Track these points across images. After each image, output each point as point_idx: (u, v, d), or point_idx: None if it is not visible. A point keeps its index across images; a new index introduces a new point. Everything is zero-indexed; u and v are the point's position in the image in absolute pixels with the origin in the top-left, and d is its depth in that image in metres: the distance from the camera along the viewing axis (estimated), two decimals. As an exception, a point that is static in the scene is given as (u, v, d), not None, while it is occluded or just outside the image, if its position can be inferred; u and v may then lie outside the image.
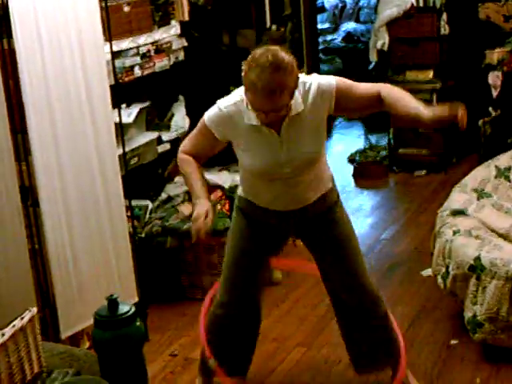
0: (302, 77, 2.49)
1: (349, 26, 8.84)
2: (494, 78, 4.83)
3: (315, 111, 2.48)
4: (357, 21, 9.02)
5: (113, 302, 1.89)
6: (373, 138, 6.33)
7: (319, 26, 7.66)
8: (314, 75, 2.53)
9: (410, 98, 2.42)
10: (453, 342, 3.20)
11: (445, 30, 5.38)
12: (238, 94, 2.49)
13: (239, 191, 2.73)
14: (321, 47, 7.75)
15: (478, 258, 3.00)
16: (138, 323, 1.91)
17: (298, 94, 2.44)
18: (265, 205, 2.63)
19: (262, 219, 2.66)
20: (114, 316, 1.87)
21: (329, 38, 8.62)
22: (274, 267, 3.06)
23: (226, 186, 3.90)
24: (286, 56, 2.33)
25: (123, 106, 3.64)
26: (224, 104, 2.51)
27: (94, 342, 1.93)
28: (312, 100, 2.46)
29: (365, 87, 2.52)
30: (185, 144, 2.66)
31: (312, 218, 2.67)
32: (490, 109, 4.96)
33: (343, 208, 2.76)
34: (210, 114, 2.53)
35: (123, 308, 1.90)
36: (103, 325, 1.88)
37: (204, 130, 2.55)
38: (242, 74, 2.37)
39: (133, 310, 1.90)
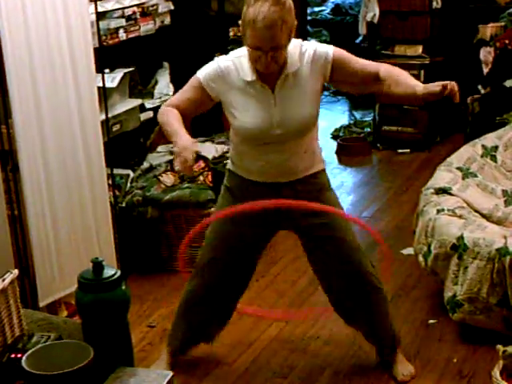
0: (300, 41, 2.50)
1: (338, -2, 8.74)
2: (486, 54, 4.77)
3: (310, 74, 2.46)
4: (346, -7, 8.92)
5: (98, 265, 1.84)
6: (358, 114, 6.31)
7: (308, -3, 7.58)
8: (313, 41, 2.53)
9: (408, 78, 2.44)
10: (431, 321, 3.21)
11: (437, 3, 5.33)
12: (237, 52, 2.49)
13: (229, 165, 2.69)
14: (308, 19, 7.66)
15: (460, 238, 2.99)
16: (123, 287, 1.87)
17: (294, 52, 2.43)
18: (255, 176, 2.58)
19: (252, 198, 2.57)
20: (99, 279, 1.83)
21: (317, 9, 8.53)
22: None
23: (210, 156, 3.85)
24: None
25: (106, 70, 3.56)
26: (222, 60, 2.50)
27: (77, 305, 1.89)
28: (308, 63, 2.46)
29: (363, 63, 2.52)
30: (171, 99, 2.62)
31: (302, 197, 2.59)
32: (480, 86, 4.92)
33: (334, 193, 2.73)
34: (206, 70, 2.50)
35: (108, 271, 1.85)
36: (87, 288, 1.84)
37: (197, 85, 2.50)
38: (241, 18, 2.36)
39: (118, 273, 1.86)
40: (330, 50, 2.47)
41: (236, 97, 2.47)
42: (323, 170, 2.67)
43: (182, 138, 2.37)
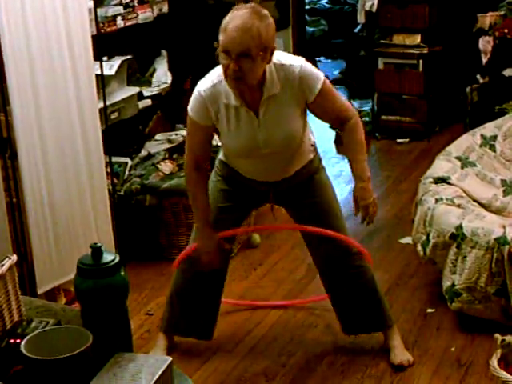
0: (289, 58, 2.49)
1: (336, -13, 8.70)
2: (485, 44, 4.75)
3: (291, 98, 2.46)
4: (344, -18, 8.89)
5: (97, 251, 1.83)
6: (356, 104, 6.28)
7: (306, -13, 7.55)
8: (302, 61, 2.49)
9: (358, 156, 2.55)
10: (429, 310, 3.21)
11: (436, -8, 5.30)
12: (216, 74, 2.47)
13: (220, 155, 2.74)
14: (306, 8, 7.63)
15: (459, 227, 2.99)
16: (122, 273, 1.86)
17: (276, 75, 2.42)
18: (245, 174, 2.67)
19: (244, 188, 2.70)
20: (98, 264, 1.82)
21: (315, -2, 8.49)
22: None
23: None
24: (267, 12, 2.35)
25: (104, 58, 3.54)
26: (203, 88, 2.48)
27: (76, 291, 1.88)
28: (291, 86, 2.44)
29: (339, 106, 2.54)
30: (188, 156, 2.64)
31: (293, 186, 2.69)
32: (478, 76, 4.91)
33: (325, 173, 2.77)
34: (191, 106, 2.52)
35: (107, 257, 1.84)
36: (86, 273, 1.83)
37: (195, 126, 2.54)
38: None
39: (117, 259, 1.85)
40: (317, 86, 2.45)
41: (223, 119, 2.49)
42: (313, 158, 2.70)
43: (203, 238, 2.65)
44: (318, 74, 2.49)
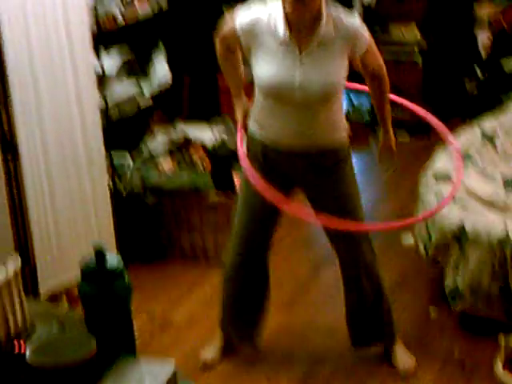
0: (343, 10, 2.51)
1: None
2: (484, 39, 4.74)
3: (342, 46, 2.47)
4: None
5: (100, 255, 1.83)
6: (356, 100, 6.26)
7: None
8: (357, 15, 2.57)
9: (387, 104, 2.67)
10: (432, 310, 3.20)
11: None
12: (274, 4, 2.46)
13: (249, 128, 2.68)
14: None
15: (461, 227, 2.98)
16: (126, 277, 1.86)
17: (333, 21, 2.44)
18: (272, 136, 2.58)
19: (269, 160, 2.62)
20: (102, 269, 1.81)
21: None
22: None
23: (209, 144, 3.83)
24: None
25: (104, 55, 3.52)
26: (258, 10, 2.50)
27: (80, 295, 1.88)
28: (345, 35, 2.46)
29: (377, 57, 2.59)
30: (222, 31, 2.61)
31: (318, 168, 2.62)
32: (478, 71, 4.88)
33: (352, 167, 2.74)
34: (243, 20, 2.50)
35: (111, 261, 1.84)
36: (90, 278, 1.83)
37: (232, 32, 2.53)
38: None
39: (121, 263, 1.84)
40: (365, 42, 2.50)
41: (264, 49, 2.49)
42: (344, 144, 2.65)
43: (240, 106, 2.71)
44: (366, 33, 2.52)
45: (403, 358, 2.84)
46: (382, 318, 2.83)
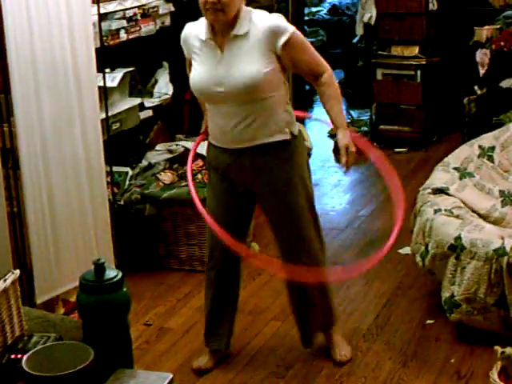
0: (267, 14, 2.59)
1: (334, -2, 8.75)
2: (482, 56, 4.81)
3: (260, 41, 2.52)
4: (343, -7, 8.93)
5: (99, 267, 1.85)
6: (355, 113, 6.32)
7: (305, -3, 7.59)
8: (278, 15, 2.60)
9: (335, 107, 2.63)
10: (428, 321, 3.22)
11: (433, 5, 5.35)
12: (200, 19, 2.65)
13: (208, 136, 2.79)
14: (305, 19, 7.67)
15: (458, 238, 3.00)
16: (124, 289, 1.88)
17: (245, 17, 2.53)
18: (217, 141, 2.69)
19: (220, 165, 2.71)
20: (101, 281, 1.84)
21: (314, 9, 8.53)
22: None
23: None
24: None
25: (107, 69, 3.57)
26: (189, 24, 2.71)
27: (79, 306, 1.89)
28: (259, 32, 2.52)
29: (312, 58, 2.62)
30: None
31: (263, 168, 2.66)
32: (476, 87, 4.95)
33: (298, 166, 2.70)
34: (182, 35, 2.72)
35: (110, 273, 1.86)
36: (89, 289, 1.85)
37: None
38: None
39: (120, 275, 1.86)
40: (285, 34, 2.52)
41: (194, 56, 2.64)
42: (289, 141, 2.66)
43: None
44: (288, 26, 2.55)
45: (340, 347, 2.92)
46: (321, 304, 2.89)
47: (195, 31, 2.64)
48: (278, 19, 2.56)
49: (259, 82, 2.54)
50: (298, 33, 2.58)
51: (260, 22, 2.54)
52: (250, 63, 2.53)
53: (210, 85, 2.58)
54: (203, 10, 2.52)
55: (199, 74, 2.61)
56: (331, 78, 2.64)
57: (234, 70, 2.54)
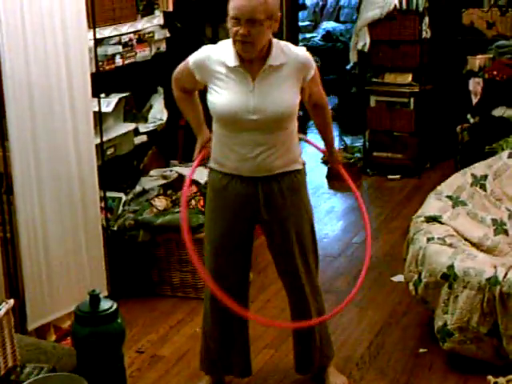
0: (289, 43, 2.68)
1: (328, 25, 8.86)
2: (475, 85, 4.86)
3: (292, 72, 2.60)
4: (337, 20, 9.05)
5: (94, 298, 1.85)
6: (348, 140, 6.35)
7: (299, 24, 7.66)
8: (302, 48, 2.70)
9: (330, 134, 2.93)
10: (421, 350, 3.21)
11: (426, 33, 5.40)
12: (225, 41, 2.64)
13: (210, 162, 2.76)
14: (299, 45, 7.75)
15: (451, 267, 3.01)
16: (119, 320, 1.87)
17: (278, 48, 2.59)
18: (231, 169, 2.66)
19: (229, 191, 2.68)
20: (96, 312, 1.83)
21: (308, 36, 8.62)
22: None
23: (202, 181, 3.86)
24: None
25: (102, 94, 3.58)
26: (210, 47, 2.67)
27: (73, 338, 1.90)
28: (295, 61, 2.60)
29: (321, 92, 2.79)
30: (176, 72, 2.79)
31: (276, 196, 2.68)
32: (469, 116, 5.00)
33: (307, 193, 2.80)
34: (196, 56, 2.67)
35: (105, 304, 1.86)
36: (84, 321, 1.84)
37: (187, 69, 2.70)
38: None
39: (114, 306, 1.86)
40: (313, 68, 2.66)
41: (217, 79, 2.61)
42: (300, 171, 2.74)
43: (200, 134, 2.82)
44: (313, 61, 2.68)
45: (334, 377, 2.92)
46: (321, 341, 2.88)
47: (217, 56, 2.60)
48: (306, 53, 2.65)
49: (293, 111, 2.63)
50: (316, 67, 2.70)
51: (291, 53, 2.61)
52: (285, 93, 2.58)
53: (242, 112, 2.56)
54: (233, 41, 2.53)
55: (228, 100, 2.58)
56: (329, 109, 2.87)
57: (267, 100, 2.56)
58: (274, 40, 2.60)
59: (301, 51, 2.65)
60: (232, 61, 2.57)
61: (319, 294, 2.88)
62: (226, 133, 2.65)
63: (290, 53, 2.61)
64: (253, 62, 2.58)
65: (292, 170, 2.70)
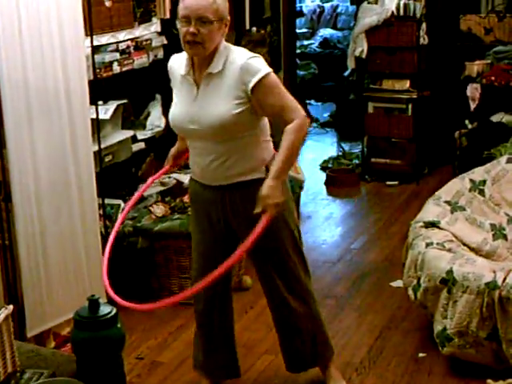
0: (245, 52, 2.55)
1: (326, 31, 8.89)
2: (473, 91, 4.88)
3: (232, 83, 2.49)
4: (334, 27, 9.08)
5: (94, 303, 1.85)
6: (346, 146, 6.36)
7: (297, 31, 7.69)
8: (256, 58, 2.51)
9: (283, 155, 2.45)
10: (421, 354, 3.20)
11: (424, 39, 5.42)
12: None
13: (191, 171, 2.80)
14: (297, 52, 7.77)
15: (450, 272, 3.01)
16: (118, 325, 1.87)
17: (223, 57, 2.51)
18: (198, 177, 2.69)
19: (203, 199, 2.70)
20: (95, 317, 1.83)
21: (305, 42, 8.65)
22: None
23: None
24: None
25: (100, 102, 3.59)
26: (174, 56, 2.71)
27: (73, 343, 1.89)
28: (232, 72, 2.49)
29: (283, 104, 2.49)
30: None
31: (240, 206, 2.62)
32: (467, 121, 5.01)
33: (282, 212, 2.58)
34: (168, 66, 2.73)
35: (104, 309, 1.86)
36: (83, 326, 1.84)
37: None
38: None
39: (114, 311, 1.86)
40: (256, 75, 2.45)
41: (176, 89, 2.65)
42: (261, 180, 2.51)
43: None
44: (262, 68, 2.47)
45: (336, 381, 2.89)
46: (315, 341, 2.85)
47: (176, 65, 2.64)
48: (253, 59, 2.48)
49: (227, 123, 2.49)
50: (273, 76, 2.49)
51: (235, 60, 2.49)
52: (220, 104, 2.49)
53: (184, 121, 2.57)
54: (183, 43, 2.51)
55: (177, 109, 2.61)
56: (300, 127, 2.46)
57: (206, 108, 2.52)
58: (225, 44, 2.54)
59: (246, 58, 2.48)
60: (183, 69, 2.58)
61: (311, 297, 2.83)
62: (189, 142, 2.71)
63: (234, 59, 2.49)
64: (201, 69, 2.54)
65: (251, 180, 2.58)
